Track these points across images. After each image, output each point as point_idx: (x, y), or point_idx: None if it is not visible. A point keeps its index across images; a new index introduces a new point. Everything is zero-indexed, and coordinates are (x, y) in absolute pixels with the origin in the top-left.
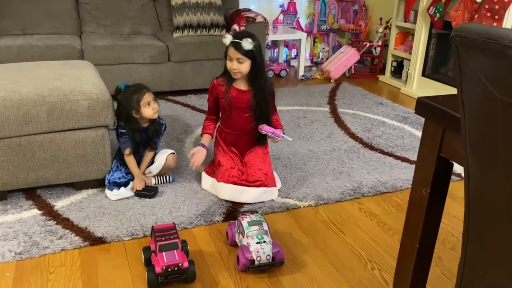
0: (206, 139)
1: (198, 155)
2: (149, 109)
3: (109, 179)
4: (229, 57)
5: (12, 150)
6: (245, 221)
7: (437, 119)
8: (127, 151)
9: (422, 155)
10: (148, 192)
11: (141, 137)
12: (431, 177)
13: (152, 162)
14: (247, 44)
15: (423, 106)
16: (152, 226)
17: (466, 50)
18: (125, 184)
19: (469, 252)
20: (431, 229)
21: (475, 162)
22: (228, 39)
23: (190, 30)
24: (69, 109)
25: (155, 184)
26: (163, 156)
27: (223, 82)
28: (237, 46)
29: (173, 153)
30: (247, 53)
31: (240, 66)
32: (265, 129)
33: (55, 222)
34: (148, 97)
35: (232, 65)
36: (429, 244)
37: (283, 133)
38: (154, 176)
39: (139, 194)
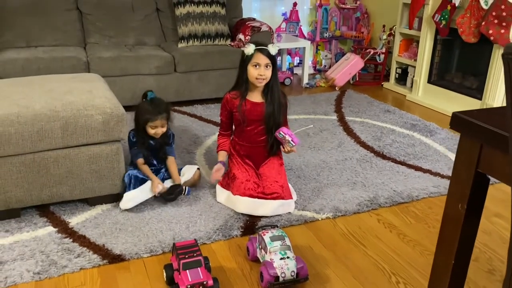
0: (223, 156)
1: (219, 173)
2: (152, 131)
3: (130, 175)
4: (255, 63)
5: (26, 166)
6: (267, 236)
7: (474, 135)
8: (140, 160)
9: (457, 170)
10: (176, 188)
11: (150, 146)
12: (467, 193)
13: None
14: (273, 49)
15: (459, 121)
16: (174, 243)
17: None
18: (141, 182)
19: None
20: (466, 245)
21: None
22: (252, 47)
23: (195, 40)
24: (83, 124)
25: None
26: (191, 172)
27: (236, 95)
28: (265, 51)
29: (198, 169)
30: (272, 59)
31: (267, 72)
32: (283, 131)
33: (71, 240)
34: (158, 123)
35: (260, 71)
36: (464, 261)
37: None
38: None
39: (170, 199)
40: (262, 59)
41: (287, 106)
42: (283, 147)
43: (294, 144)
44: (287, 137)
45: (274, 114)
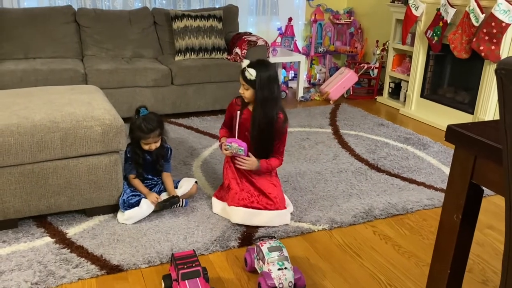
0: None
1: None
2: (146, 146)
3: (124, 200)
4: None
5: (25, 177)
6: (264, 247)
7: (468, 147)
8: (132, 176)
9: (452, 181)
10: (172, 198)
11: (145, 160)
12: (462, 203)
13: (175, 187)
14: (248, 74)
15: (454, 133)
16: (172, 254)
17: None
18: (137, 203)
19: (511, 279)
20: (461, 254)
21: None
22: (244, 64)
23: (192, 53)
24: (82, 135)
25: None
26: (189, 185)
27: (239, 103)
28: (243, 73)
29: (196, 182)
30: (249, 82)
31: (245, 92)
32: (227, 141)
33: (69, 250)
34: (150, 140)
35: (241, 89)
36: (460, 270)
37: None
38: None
39: (164, 206)
40: (240, 80)
41: (283, 132)
42: (239, 162)
43: (244, 149)
44: (234, 144)
45: (260, 133)
